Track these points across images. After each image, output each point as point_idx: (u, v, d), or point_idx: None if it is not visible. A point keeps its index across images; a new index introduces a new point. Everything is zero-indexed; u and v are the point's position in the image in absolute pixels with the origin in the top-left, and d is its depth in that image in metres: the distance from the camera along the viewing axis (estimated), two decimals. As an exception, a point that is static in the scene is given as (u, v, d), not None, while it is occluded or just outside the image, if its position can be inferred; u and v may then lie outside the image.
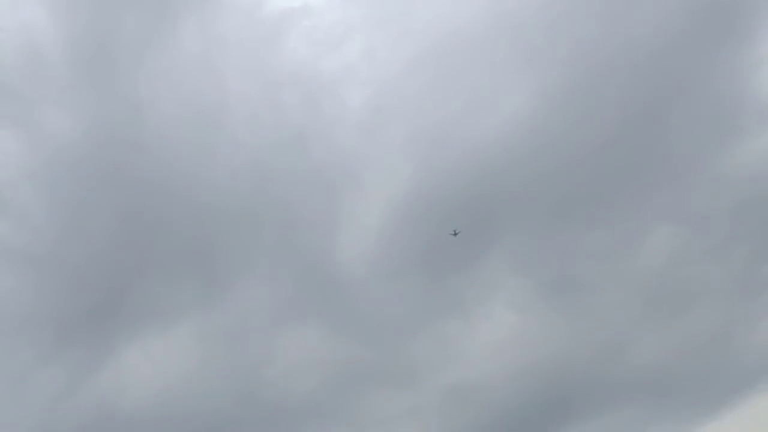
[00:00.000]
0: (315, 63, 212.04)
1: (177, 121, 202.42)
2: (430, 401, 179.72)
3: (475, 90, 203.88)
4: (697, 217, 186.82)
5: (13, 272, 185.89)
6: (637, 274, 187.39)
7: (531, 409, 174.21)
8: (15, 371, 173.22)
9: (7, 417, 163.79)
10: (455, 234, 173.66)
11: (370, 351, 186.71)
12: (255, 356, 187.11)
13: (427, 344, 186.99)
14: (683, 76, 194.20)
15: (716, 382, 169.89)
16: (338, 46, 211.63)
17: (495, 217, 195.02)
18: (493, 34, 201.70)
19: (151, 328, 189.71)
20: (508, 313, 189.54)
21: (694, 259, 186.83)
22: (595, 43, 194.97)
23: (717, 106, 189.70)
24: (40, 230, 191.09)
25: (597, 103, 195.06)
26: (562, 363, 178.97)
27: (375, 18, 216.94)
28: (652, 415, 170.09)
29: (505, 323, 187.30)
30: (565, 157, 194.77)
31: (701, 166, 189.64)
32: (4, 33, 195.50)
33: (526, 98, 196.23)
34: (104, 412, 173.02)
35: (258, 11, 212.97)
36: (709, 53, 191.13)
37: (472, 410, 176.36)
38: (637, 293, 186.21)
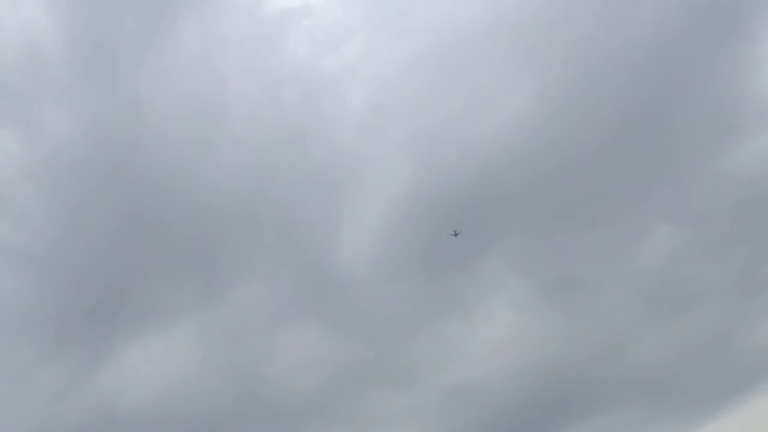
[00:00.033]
0: (315, 62, 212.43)
1: (177, 120, 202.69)
2: (430, 401, 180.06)
3: (475, 90, 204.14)
4: (697, 217, 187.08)
5: (13, 272, 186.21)
6: (637, 274, 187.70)
7: (531, 408, 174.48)
8: (15, 371, 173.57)
9: (7, 416, 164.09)
10: (456, 235, 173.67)
11: (370, 351, 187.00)
12: (255, 356, 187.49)
13: (427, 344, 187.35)
14: (683, 75, 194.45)
15: (716, 382, 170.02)
16: (338, 46, 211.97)
17: (495, 216, 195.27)
18: (493, 33, 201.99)
19: (151, 327, 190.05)
20: (508, 313, 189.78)
21: (694, 259, 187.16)
22: (595, 42, 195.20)
23: (717, 106, 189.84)
24: (40, 230, 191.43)
25: (597, 103, 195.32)
26: (562, 363, 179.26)
27: (375, 18, 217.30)
28: (652, 415, 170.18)
29: (505, 323, 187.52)
30: (565, 157, 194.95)
31: (701, 166, 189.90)
32: (4, 33, 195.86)
33: (526, 98, 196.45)
34: (104, 411, 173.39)
35: (258, 11, 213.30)
36: (709, 53, 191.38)
37: (472, 410, 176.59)
38: (637, 293, 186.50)
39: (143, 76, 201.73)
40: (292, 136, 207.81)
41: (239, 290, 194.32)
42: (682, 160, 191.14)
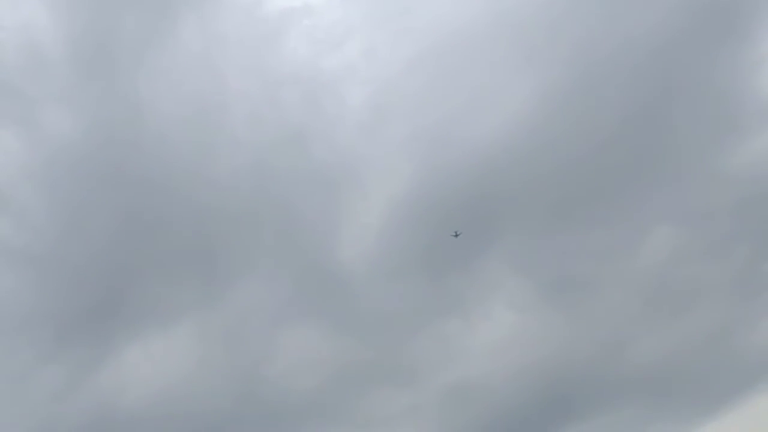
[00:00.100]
0: (315, 62, 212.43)
1: (177, 120, 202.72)
2: (430, 400, 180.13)
3: (475, 89, 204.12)
4: (697, 216, 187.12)
5: (13, 272, 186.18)
6: (637, 274, 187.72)
7: (531, 408, 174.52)
8: (15, 370, 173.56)
9: (7, 416, 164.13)
10: (456, 236, 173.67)
11: (370, 350, 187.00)
12: (255, 355, 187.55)
13: (428, 344, 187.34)
14: (683, 75, 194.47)
15: (716, 381, 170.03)
16: (338, 46, 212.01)
17: (495, 216, 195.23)
18: (493, 33, 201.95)
19: (152, 327, 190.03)
20: (508, 312, 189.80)
21: (694, 259, 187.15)
22: (595, 42, 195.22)
23: (717, 106, 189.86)
24: (41, 229, 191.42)
25: (597, 103, 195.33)
26: (562, 362, 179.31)
27: (375, 17, 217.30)
28: (652, 414, 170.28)
29: (505, 323, 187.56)
30: (565, 157, 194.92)
31: (701, 166, 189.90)
32: (5, 32, 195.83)
33: (526, 97, 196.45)
34: (104, 411, 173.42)
35: (258, 10, 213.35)
36: (709, 52, 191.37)
37: (473, 409, 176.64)
38: (637, 293, 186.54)
39: (143, 76, 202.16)
40: (292, 135, 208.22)
41: (239, 290, 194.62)
42: (682, 159, 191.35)
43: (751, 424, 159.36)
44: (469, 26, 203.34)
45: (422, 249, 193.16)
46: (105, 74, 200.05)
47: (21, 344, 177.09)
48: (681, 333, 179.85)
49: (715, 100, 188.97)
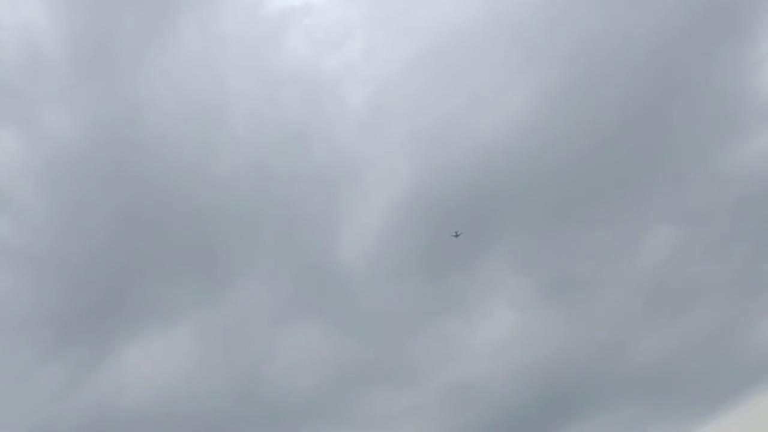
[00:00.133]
0: (315, 61, 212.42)
1: (177, 119, 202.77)
2: (430, 400, 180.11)
3: (475, 89, 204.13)
4: (697, 216, 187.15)
5: (13, 271, 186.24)
6: (637, 274, 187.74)
7: (531, 407, 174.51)
8: (15, 370, 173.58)
9: (7, 416, 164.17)
10: (457, 236, 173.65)
11: (370, 350, 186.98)
12: (255, 355, 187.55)
13: (428, 343, 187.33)
14: (684, 74, 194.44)
15: (716, 381, 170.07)
16: (338, 45, 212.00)
17: (495, 216, 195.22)
18: (493, 33, 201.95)
19: (152, 327, 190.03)
20: (509, 312, 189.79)
21: (694, 258, 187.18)
22: (595, 42, 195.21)
23: (717, 105, 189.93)
24: (41, 229, 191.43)
25: (597, 102, 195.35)
26: (563, 362, 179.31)
27: (375, 17, 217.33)
28: (652, 414, 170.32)
29: (506, 322, 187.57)
30: (565, 156, 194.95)
31: (701, 165, 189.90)
32: (5, 32, 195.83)
33: (526, 97, 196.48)
34: (104, 411, 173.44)
35: (258, 10, 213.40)
36: (709, 52, 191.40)
37: (473, 409, 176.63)
38: (637, 292, 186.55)
39: (143, 76, 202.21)
40: (292, 135, 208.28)
41: (239, 289, 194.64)
42: (682, 159, 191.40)
43: (751, 423, 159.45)
44: (469, 26, 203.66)
45: (422, 249, 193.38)
46: (105, 74, 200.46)
47: (21, 344, 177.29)
48: (681, 333, 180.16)
49: (715, 100, 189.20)
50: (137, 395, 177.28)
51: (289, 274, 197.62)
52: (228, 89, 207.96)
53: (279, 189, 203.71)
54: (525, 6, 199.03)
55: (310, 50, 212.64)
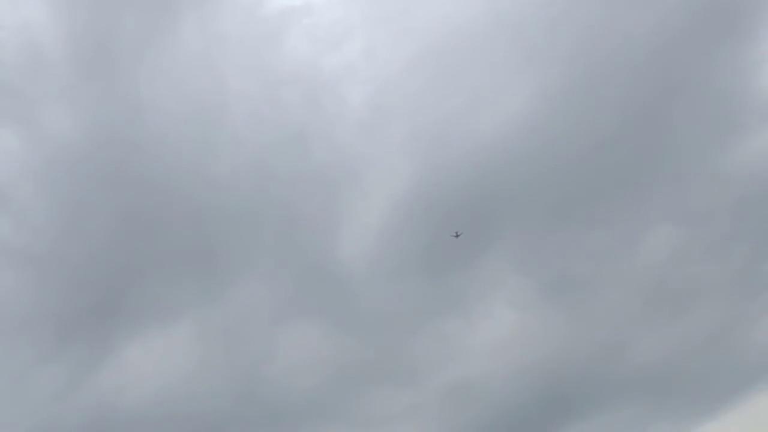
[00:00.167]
0: (315, 61, 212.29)
1: (177, 119, 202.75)
2: (430, 400, 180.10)
3: (475, 89, 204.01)
4: (697, 215, 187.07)
5: (13, 271, 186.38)
6: (637, 273, 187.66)
7: (531, 407, 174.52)
8: (15, 370, 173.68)
9: (7, 415, 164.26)
10: (457, 236, 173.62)
11: (370, 349, 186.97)
12: (255, 354, 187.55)
13: (428, 343, 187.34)
14: (684, 74, 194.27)
15: (716, 381, 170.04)
16: (339, 45, 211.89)
17: (495, 215, 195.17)
18: (493, 32, 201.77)
19: (152, 326, 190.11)
20: (509, 311, 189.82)
21: (694, 258, 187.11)
22: (595, 41, 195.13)
23: (718, 105, 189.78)
24: (41, 229, 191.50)
25: (597, 102, 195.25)
26: (563, 362, 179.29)
27: (375, 16, 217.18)
28: (652, 414, 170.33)
29: (506, 322, 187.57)
30: (565, 156, 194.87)
31: (702, 165, 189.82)
32: (5, 31, 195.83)
33: (526, 97, 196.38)
34: (105, 410, 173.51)
35: (259, 9, 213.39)
36: (709, 51, 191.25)
37: (473, 409, 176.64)
38: (637, 292, 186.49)
39: (143, 75, 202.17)
40: (292, 134, 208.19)
41: (239, 289, 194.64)
42: (682, 159, 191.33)
43: (751, 423, 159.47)
44: (469, 26, 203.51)
45: (422, 248, 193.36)
46: (105, 74, 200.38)
47: (21, 344, 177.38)
48: (681, 332, 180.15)
49: (715, 100, 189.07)
50: (137, 395, 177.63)
51: (289, 274, 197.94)
52: (228, 89, 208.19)
53: (279, 189, 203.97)
54: (525, 6, 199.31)
55: (310, 50, 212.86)
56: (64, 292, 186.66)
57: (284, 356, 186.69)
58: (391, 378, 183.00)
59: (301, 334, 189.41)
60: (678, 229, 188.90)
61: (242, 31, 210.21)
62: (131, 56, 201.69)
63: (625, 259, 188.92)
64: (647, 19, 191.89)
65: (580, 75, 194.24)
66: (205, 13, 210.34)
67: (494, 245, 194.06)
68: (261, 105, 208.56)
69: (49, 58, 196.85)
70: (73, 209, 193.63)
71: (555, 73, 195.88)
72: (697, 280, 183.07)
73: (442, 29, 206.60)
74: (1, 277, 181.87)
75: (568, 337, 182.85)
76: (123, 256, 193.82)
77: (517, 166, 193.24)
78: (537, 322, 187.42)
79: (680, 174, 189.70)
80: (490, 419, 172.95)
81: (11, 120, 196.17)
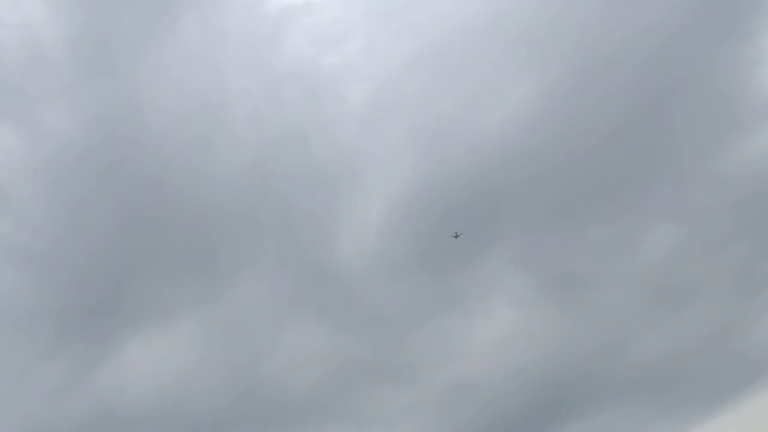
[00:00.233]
0: (316, 60, 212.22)
1: (178, 117, 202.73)
2: (430, 398, 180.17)
3: (475, 87, 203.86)
4: (697, 213, 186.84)
5: (13, 269, 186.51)
6: (637, 271, 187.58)
7: (531, 406, 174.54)
8: (15, 368, 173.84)
9: (7, 414, 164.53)
10: (456, 236, 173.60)
11: (370, 348, 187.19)
12: (255, 353, 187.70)
13: (428, 341, 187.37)
14: (683, 72, 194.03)
15: (716, 379, 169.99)
16: (339, 43, 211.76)
17: (495, 213, 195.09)
18: (494, 30, 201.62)
19: (152, 324, 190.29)
20: (509, 309, 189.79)
21: (694, 256, 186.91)
22: (595, 39, 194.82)
23: (718, 103, 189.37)
24: (41, 227, 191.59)
25: (597, 100, 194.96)
26: (563, 360, 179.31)
27: (375, 15, 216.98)
28: (652, 412, 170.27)
29: (506, 320, 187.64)
30: (566, 154, 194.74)
31: (702, 163, 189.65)
32: (5, 29, 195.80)
33: (527, 95, 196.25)
34: (105, 409, 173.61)
35: (259, 8, 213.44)
36: (710, 49, 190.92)
37: (472, 407, 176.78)
38: (637, 290, 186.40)
39: (144, 74, 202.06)
40: (292, 133, 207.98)
41: (239, 287, 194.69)
42: (682, 157, 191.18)
43: (751, 422, 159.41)
44: (469, 24, 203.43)
45: (422, 246, 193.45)
46: (105, 72, 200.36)
47: (21, 342, 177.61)
48: (681, 331, 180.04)
49: (715, 98, 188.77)
50: (137, 393, 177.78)
51: (289, 272, 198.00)
52: (228, 87, 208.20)
53: (279, 187, 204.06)
54: (525, 4, 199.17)
55: (310, 48, 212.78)
56: (64, 291, 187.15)
57: (284, 355, 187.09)
58: (391, 376, 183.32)
59: (301, 332, 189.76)
60: (678, 228, 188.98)
61: (242, 29, 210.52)
62: (131, 55, 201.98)
63: (625, 257, 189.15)
64: (647, 18, 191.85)
65: (579, 73, 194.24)
66: (205, 12, 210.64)
67: (494, 244, 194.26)
68: (261, 103, 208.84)
69: (49, 57, 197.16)
70: (73, 208, 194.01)
71: (555, 71, 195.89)
72: (697, 279, 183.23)
73: (442, 28, 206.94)
74: (1, 276, 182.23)
75: (567, 335, 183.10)
76: (123, 254, 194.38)
77: (517, 165, 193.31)
78: (537, 320, 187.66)
79: (680, 172, 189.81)
80: (489, 418, 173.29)
81: (11, 118, 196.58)
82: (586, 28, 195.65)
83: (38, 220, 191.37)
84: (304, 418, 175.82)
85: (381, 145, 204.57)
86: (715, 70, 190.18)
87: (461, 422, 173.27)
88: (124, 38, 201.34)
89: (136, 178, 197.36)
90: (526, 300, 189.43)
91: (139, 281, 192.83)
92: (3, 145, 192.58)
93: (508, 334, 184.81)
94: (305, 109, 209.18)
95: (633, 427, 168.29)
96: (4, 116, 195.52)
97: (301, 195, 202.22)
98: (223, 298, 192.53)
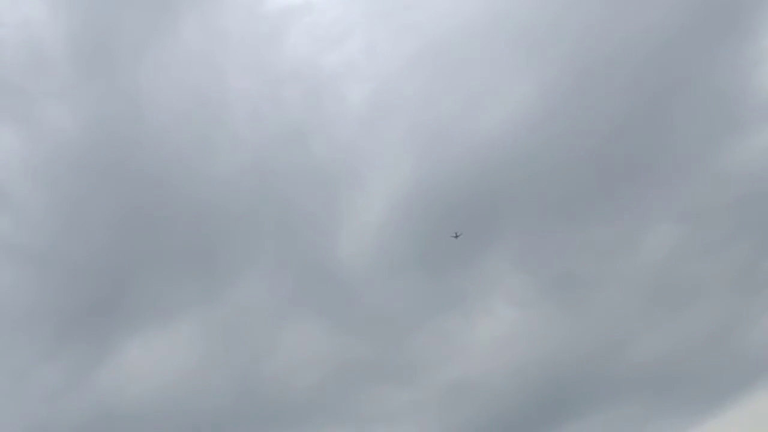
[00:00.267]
0: (316, 59, 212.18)
1: (177, 117, 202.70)
2: (430, 397, 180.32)
3: (475, 87, 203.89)
4: (697, 213, 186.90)
5: (13, 268, 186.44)
6: (637, 271, 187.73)
7: (531, 405, 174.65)
8: (15, 368, 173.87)
9: (7, 413, 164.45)
10: (456, 236, 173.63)
11: (370, 347, 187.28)
12: (255, 352, 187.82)
13: (428, 340, 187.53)
14: (683, 72, 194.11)
15: (717, 379, 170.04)
16: (339, 43, 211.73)
17: (495, 213, 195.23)
18: (494, 30, 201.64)
19: (152, 324, 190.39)
20: (509, 309, 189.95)
21: (694, 256, 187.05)
22: (595, 39, 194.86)
23: (718, 103, 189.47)
24: (41, 226, 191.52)
25: (597, 100, 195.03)
26: (562, 360, 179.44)
27: (375, 14, 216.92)
28: (652, 412, 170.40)
29: (506, 320, 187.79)
30: (566, 154, 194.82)
31: (702, 163, 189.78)
32: (5, 28, 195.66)
33: (527, 94, 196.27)
34: (105, 408, 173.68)
35: (259, 7, 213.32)
36: (710, 49, 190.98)
37: (472, 406, 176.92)
38: (637, 290, 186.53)
39: (144, 73, 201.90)
40: (292, 132, 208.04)
41: (239, 287, 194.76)
42: (682, 157, 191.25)
43: (751, 421, 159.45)
44: (470, 23, 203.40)
45: (422, 246, 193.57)
46: (105, 71, 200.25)
47: (21, 341, 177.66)
48: (681, 330, 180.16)
49: (715, 98, 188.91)
50: (137, 393, 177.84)
51: (289, 272, 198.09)
52: (228, 87, 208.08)
53: (279, 186, 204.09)
54: (525, 4, 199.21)
55: (310, 48, 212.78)
56: (63, 290, 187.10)
57: (284, 354, 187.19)
58: (391, 376, 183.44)
59: (301, 332, 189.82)
60: (678, 227, 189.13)
61: (242, 29, 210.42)
62: (131, 54, 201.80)
63: (624, 257, 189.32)
64: (647, 18, 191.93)
65: (579, 73, 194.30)
66: (205, 11, 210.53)
67: (494, 243, 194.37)
68: (261, 103, 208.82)
69: (49, 56, 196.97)
70: (73, 207, 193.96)
71: (555, 71, 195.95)
72: (697, 278, 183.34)
73: (442, 27, 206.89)
74: (1, 275, 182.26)
75: (567, 335, 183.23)
76: (123, 253, 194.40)
77: (517, 164, 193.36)
78: (537, 320, 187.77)
79: (680, 172, 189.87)
80: (489, 417, 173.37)
81: (11, 117, 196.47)
82: (586, 28, 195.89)
83: (38, 219, 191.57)
84: (304, 418, 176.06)
85: (381, 145, 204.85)
86: (715, 70, 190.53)
87: (461, 422, 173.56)
88: (124, 37, 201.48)
89: (136, 178, 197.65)
90: (526, 300, 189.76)
91: (139, 281, 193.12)
92: (3, 144, 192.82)
93: (508, 334, 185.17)
94: (305, 109, 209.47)
95: (633, 426, 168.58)
96: (4, 115, 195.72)
97: (301, 195, 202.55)
98: (223, 298, 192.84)
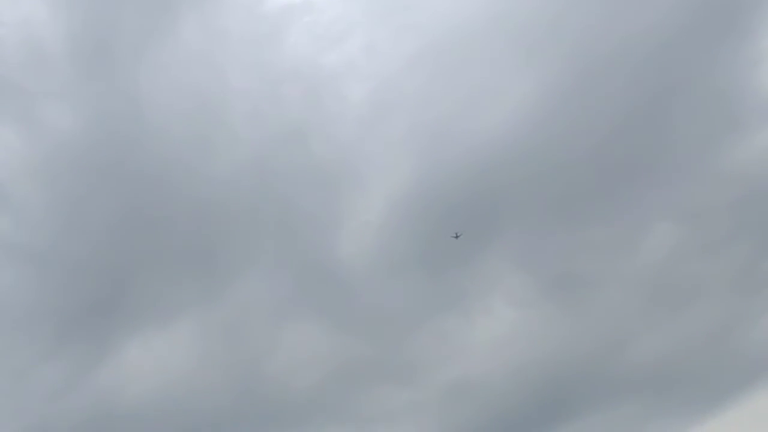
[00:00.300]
0: (316, 58, 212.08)
1: (177, 116, 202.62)
2: (430, 397, 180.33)
3: (475, 86, 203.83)
4: (697, 213, 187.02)
5: (13, 268, 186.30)
6: (637, 271, 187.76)
7: (531, 405, 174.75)
8: (15, 367, 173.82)
9: (7, 413, 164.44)
10: (456, 237, 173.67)
11: (370, 347, 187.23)
12: (255, 352, 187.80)
13: (428, 340, 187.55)
14: (683, 72, 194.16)
15: (716, 379, 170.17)
16: (339, 42, 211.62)
17: (495, 212, 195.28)
18: (494, 29, 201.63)
19: (152, 323, 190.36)
20: (509, 309, 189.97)
21: (694, 256, 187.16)
22: (595, 39, 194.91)
23: (718, 103, 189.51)
24: (41, 226, 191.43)
25: (597, 99, 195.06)
26: (562, 359, 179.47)
27: (376, 13, 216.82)
28: (652, 411, 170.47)
29: (506, 319, 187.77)
30: (566, 153, 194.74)
31: (702, 163, 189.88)
32: (5, 28, 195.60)
33: (527, 94, 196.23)
34: (104, 408, 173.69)
35: (259, 7, 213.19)
36: (710, 49, 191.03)
37: (472, 406, 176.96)
38: (637, 290, 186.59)
39: (144, 72, 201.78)
40: (292, 131, 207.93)
41: (240, 286, 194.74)
42: (682, 156, 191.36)
43: (751, 422, 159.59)
44: (470, 23, 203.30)
45: (422, 245, 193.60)
46: (105, 70, 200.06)
47: (21, 341, 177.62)
48: (681, 330, 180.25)
49: (715, 98, 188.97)
50: (137, 393, 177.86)
51: (289, 272, 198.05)
52: (228, 86, 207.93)
53: (279, 186, 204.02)
54: (525, 4, 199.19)
55: (310, 47, 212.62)
56: (63, 290, 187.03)
57: (284, 354, 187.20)
58: (391, 376, 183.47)
59: (301, 332, 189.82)
60: (678, 227, 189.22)
61: (243, 28, 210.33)
62: (131, 53, 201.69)
63: (624, 257, 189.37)
64: (647, 18, 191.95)
65: (579, 73, 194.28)
66: (205, 10, 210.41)
67: (494, 243, 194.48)
68: (261, 102, 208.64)
69: (49, 55, 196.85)
70: (73, 206, 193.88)
71: (555, 70, 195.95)
72: (697, 278, 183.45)
73: (443, 27, 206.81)
74: (1, 275, 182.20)
75: (567, 334, 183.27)
76: (123, 253, 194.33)
77: (517, 164, 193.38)
78: (537, 319, 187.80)
79: (680, 172, 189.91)
80: (489, 417, 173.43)
81: (11, 116, 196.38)
82: (586, 28, 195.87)
83: (38, 218, 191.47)
84: (304, 417, 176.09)
85: (381, 144, 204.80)
86: (715, 70, 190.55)
87: (461, 422, 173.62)
88: (124, 37, 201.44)
89: (136, 177, 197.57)
90: (526, 300, 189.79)
91: (139, 281, 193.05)
92: (3, 143, 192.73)
93: (508, 334, 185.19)
94: (305, 108, 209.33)
95: (633, 426, 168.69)
96: (4, 114, 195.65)
97: (301, 194, 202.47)
98: (223, 298, 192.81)
